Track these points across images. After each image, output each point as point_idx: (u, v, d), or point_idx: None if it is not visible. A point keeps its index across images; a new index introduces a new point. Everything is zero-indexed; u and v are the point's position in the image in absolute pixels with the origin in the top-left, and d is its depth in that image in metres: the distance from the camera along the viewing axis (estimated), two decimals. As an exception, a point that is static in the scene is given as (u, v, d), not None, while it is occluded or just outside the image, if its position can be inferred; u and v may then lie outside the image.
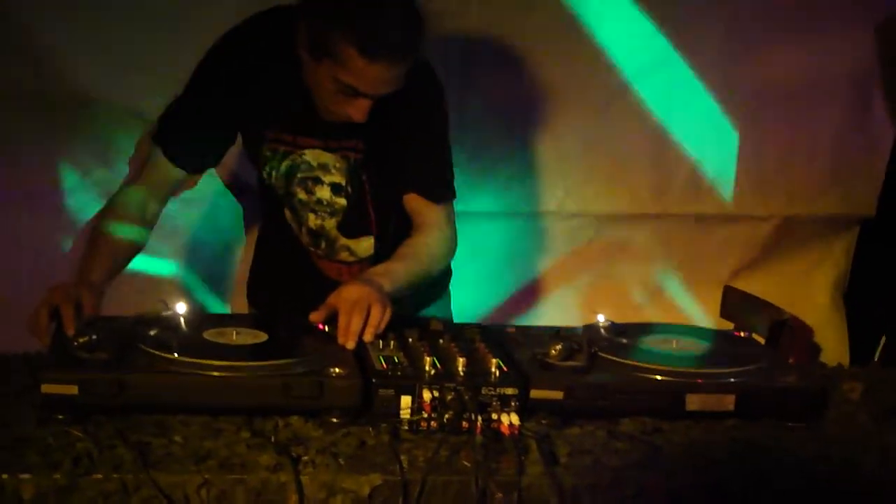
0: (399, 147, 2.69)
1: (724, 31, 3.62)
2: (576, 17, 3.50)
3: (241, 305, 3.21)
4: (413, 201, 2.74)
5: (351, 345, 2.33)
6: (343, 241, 2.83)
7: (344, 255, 2.86)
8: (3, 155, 3.30)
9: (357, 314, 2.36)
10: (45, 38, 3.22)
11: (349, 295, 2.40)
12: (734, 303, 3.06)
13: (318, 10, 2.42)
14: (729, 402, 2.29)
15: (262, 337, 2.34)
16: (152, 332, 2.28)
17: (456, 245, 2.79)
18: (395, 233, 2.81)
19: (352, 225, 2.81)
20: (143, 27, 3.27)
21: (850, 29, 3.65)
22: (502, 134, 3.59)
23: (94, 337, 2.15)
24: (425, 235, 2.73)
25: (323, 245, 2.85)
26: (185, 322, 2.33)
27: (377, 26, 2.38)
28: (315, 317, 2.41)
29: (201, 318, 2.41)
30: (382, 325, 2.38)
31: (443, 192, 2.77)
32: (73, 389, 2.06)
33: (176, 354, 2.17)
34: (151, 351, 2.19)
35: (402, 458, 2.05)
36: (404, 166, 2.72)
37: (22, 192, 3.33)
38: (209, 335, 2.31)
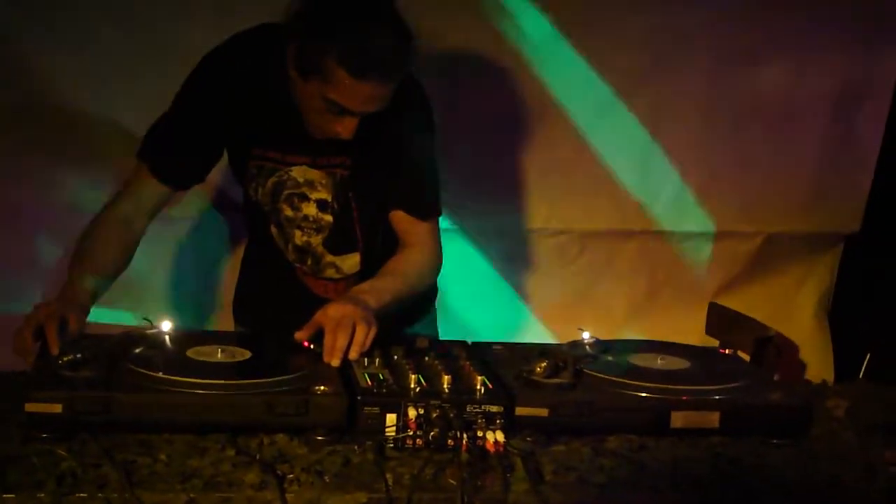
0: (387, 164, 2.69)
1: (709, 48, 3.63)
2: (561, 35, 3.51)
3: (227, 323, 3.21)
4: (400, 218, 2.74)
5: (336, 363, 2.33)
6: (329, 257, 2.83)
7: (330, 272, 2.86)
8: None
9: (342, 332, 2.36)
10: (30, 52, 3.22)
11: (334, 313, 2.41)
12: (719, 320, 3.06)
13: (306, 28, 2.42)
14: (714, 419, 2.30)
15: (247, 355, 2.34)
16: (137, 351, 2.28)
17: (441, 262, 2.80)
18: (381, 249, 2.81)
19: (338, 241, 2.81)
20: (131, 43, 3.27)
21: (835, 47, 3.66)
22: (487, 150, 3.59)
23: (79, 355, 2.15)
24: (412, 252, 2.74)
25: (309, 262, 2.84)
26: (169, 340, 2.33)
27: (366, 46, 2.38)
28: (300, 335, 2.41)
29: (186, 336, 2.40)
30: (368, 343, 2.39)
31: (430, 210, 2.77)
32: (58, 408, 2.05)
33: (160, 373, 2.17)
34: (136, 369, 2.18)
35: (388, 475, 2.04)
36: (392, 183, 2.72)
37: (5, 208, 3.32)
38: (193, 353, 2.31)
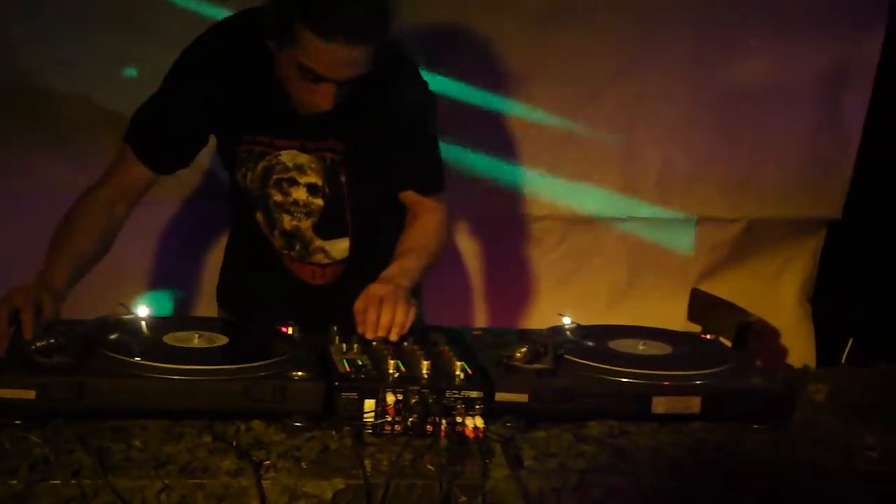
0: (387, 145, 2.68)
1: (693, 33, 3.63)
2: (549, 14, 3.49)
3: (209, 310, 3.19)
4: (409, 196, 2.75)
5: (381, 334, 2.36)
6: (318, 242, 2.82)
7: (318, 257, 2.84)
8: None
9: (387, 309, 2.38)
10: (13, 34, 3.20)
11: (376, 291, 2.42)
12: (701, 305, 3.05)
13: None
14: (695, 404, 2.29)
15: (224, 340, 2.32)
16: (112, 336, 2.25)
17: (450, 229, 2.84)
18: (373, 234, 2.82)
19: (328, 226, 2.80)
20: (115, 26, 3.25)
21: (818, 33, 3.66)
22: (468, 135, 3.57)
23: (53, 341, 2.12)
24: (425, 224, 2.74)
25: (297, 247, 2.83)
26: (146, 326, 2.31)
27: (332, 6, 2.37)
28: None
29: (162, 321, 2.38)
30: (407, 325, 2.39)
31: (437, 184, 2.78)
32: (31, 394, 2.03)
33: (136, 358, 2.14)
34: (111, 355, 2.16)
35: (366, 461, 2.03)
36: (395, 164, 2.72)
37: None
38: (170, 339, 2.29)
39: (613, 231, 3.82)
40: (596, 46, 3.59)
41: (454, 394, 2.15)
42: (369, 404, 2.13)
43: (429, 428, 2.11)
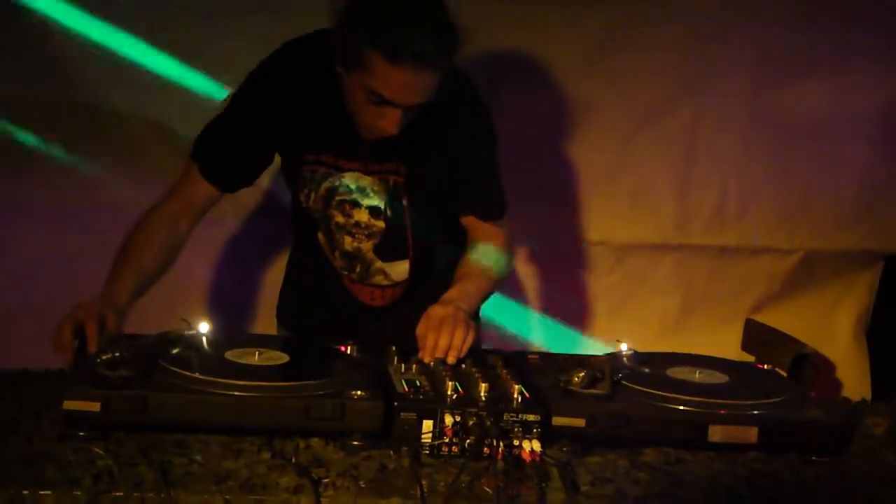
0: (450, 171, 2.70)
1: (753, 62, 3.61)
2: (604, 43, 3.50)
3: (268, 327, 3.21)
4: (470, 222, 2.77)
5: (439, 355, 2.38)
6: (379, 264, 2.84)
7: (378, 279, 2.86)
8: (25, 168, 3.31)
9: (445, 332, 2.41)
10: (73, 50, 3.24)
11: (436, 313, 2.45)
12: (755, 336, 3.05)
13: (347, 19, 2.44)
14: (752, 434, 2.28)
15: (285, 358, 2.34)
16: (175, 351, 2.28)
17: (514, 252, 2.87)
18: (433, 256, 2.84)
19: (389, 248, 2.81)
20: (173, 44, 3.30)
21: (879, 64, 3.64)
22: (524, 159, 3.57)
23: (117, 354, 2.15)
24: (487, 248, 2.76)
25: (358, 268, 2.85)
26: (207, 341, 2.33)
27: (402, 32, 2.38)
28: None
29: (224, 338, 2.40)
30: (465, 350, 2.42)
31: (498, 210, 2.80)
32: (95, 406, 2.06)
33: (197, 373, 2.17)
34: (173, 369, 2.18)
35: (423, 482, 2.04)
36: (457, 190, 2.74)
37: (42, 206, 3.35)
38: (231, 355, 2.31)
39: (668, 258, 3.80)
40: (653, 74, 3.59)
41: (512, 417, 2.16)
42: (427, 425, 2.15)
43: (486, 450, 2.12)
